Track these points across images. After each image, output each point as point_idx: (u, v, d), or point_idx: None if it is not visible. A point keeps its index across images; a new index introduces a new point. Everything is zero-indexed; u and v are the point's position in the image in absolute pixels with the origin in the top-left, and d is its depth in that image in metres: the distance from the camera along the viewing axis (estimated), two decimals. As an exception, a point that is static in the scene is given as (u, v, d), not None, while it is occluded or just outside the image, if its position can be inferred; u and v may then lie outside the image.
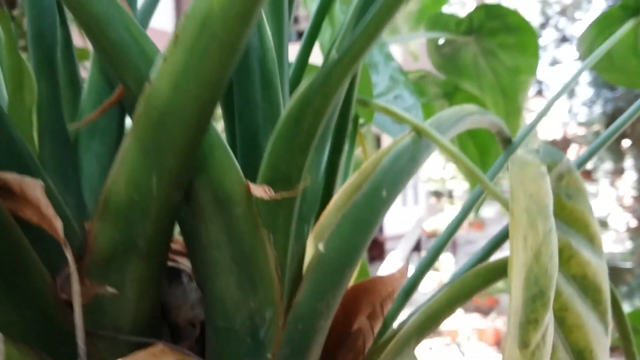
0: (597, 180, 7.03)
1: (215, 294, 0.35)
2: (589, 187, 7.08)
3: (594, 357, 0.41)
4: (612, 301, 0.44)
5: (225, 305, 0.34)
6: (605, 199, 6.96)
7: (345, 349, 0.45)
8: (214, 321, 0.35)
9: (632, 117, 0.55)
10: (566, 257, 0.41)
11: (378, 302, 0.44)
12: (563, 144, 7.37)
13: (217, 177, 0.33)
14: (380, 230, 8.01)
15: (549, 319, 0.30)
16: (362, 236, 0.39)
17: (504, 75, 0.88)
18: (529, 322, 0.29)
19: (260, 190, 0.33)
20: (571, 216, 0.43)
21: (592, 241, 0.43)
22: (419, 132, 0.44)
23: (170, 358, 0.31)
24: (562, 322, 0.40)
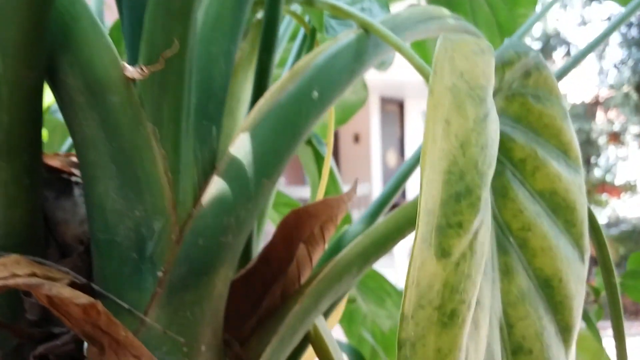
0: (626, 143, 6.83)
1: (95, 201, 0.29)
2: (618, 151, 6.88)
3: (563, 286, 0.35)
4: (590, 224, 0.37)
5: (106, 214, 0.29)
6: (634, 162, 6.76)
7: (285, 277, 0.39)
8: (96, 234, 0.30)
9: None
10: (531, 168, 0.35)
11: (317, 225, 0.38)
12: (593, 107, 7.14)
13: (85, 57, 0.27)
14: (403, 195, 7.93)
15: (479, 224, 0.24)
16: (285, 141, 0.33)
17: (501, 9, 0.80)
18: (449, 226, 0.23)
19: (134, 71, 0.27)
20: (539, 121, 0.36)
21: (567, 153, 0.37)
22: (366, 30, 0.38)
23: (25, 270, 0.26)
24: (525, 243, 0.34)
